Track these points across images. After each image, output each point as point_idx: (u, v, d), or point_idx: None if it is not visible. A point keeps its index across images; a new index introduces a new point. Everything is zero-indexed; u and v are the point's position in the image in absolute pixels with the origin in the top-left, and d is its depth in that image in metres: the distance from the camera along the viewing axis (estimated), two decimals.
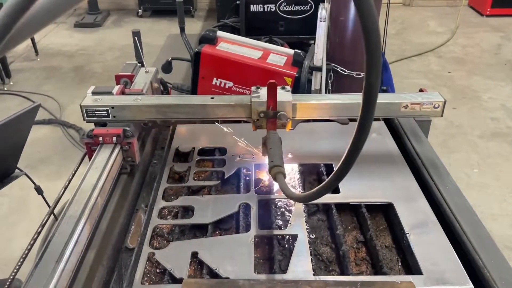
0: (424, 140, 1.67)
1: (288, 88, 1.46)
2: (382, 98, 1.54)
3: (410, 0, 7.84)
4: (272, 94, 1.36)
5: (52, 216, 1.28)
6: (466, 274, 1.11)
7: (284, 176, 1.17)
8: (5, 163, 1.29)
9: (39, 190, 1.50)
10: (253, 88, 1.44)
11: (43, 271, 0.96)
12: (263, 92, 1.40)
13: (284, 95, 1.41)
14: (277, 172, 1.17)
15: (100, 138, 1.39)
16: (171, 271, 1.13)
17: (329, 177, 0.82)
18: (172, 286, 1.09)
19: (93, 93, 1.50)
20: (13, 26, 0.45)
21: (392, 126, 1.78)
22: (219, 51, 2.77)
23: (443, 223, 1.28)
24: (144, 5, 7.28)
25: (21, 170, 1.38)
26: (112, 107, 1.43)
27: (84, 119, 1.46)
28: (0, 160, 1.26)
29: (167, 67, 2.88)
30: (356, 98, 1.52)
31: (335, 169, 0.80)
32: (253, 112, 1.40)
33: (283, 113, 1.38)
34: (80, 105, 1.43)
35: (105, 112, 1.44)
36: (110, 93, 1.51)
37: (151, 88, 1.75)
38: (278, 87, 1.37)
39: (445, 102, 1.52)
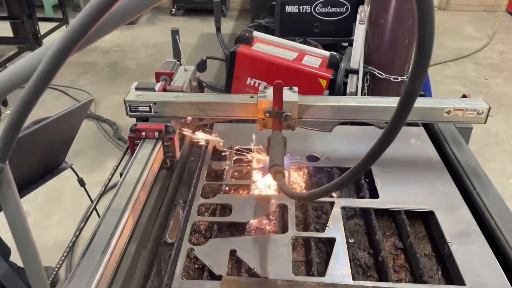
0: (465, 147, 1.63)
1: (295, 89, 1.44)
2: (424, 102, 1.51)
3: (446, 4, 7.66)
4: (278, 94, 1.36)
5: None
6: (511, 287, 1.08)
7: (283, 175, 1.17)
8: (56, 155, 1.34)
9: (81, 182, 1.55)
10: (260, 87, 1.44)
11: (90, 262, 0.98)
12: (270, 92, 1.40)
13: (290, 95, 1.40)
14: (276, 171, 1.17)
15: (143, 133, 1.42)
16: (210, 267, 1.14)
17: (341, 176, 0.77)
18: (211, 283, 1.10)
19: (136, 88, 1.53)
20: (95, 24, 0.47)
21: (431, 132, 1.75)
22: (255, 51, 2.78)
23: (485, 233, 1.25)
24: (178, 3, 7.39)
25: (66, 162, 1.42)
26: (155, 103, 1.46)
27: (127, 114, 1.49)
28: (52, 152, 1.30)
29: (202, 66, 2.91)
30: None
31: (350, 169, 0.74)
32: (259, 111, 1.41)
33: (288, 113, 1.38)
34: (124, 100, 1.47)
35: (148, 107, 1.47)
36: (152, 89, 1.55)
37: (190, 86, 1.78)
38: (284, 87, 1.37)
39: (489, 109, 1.49)
